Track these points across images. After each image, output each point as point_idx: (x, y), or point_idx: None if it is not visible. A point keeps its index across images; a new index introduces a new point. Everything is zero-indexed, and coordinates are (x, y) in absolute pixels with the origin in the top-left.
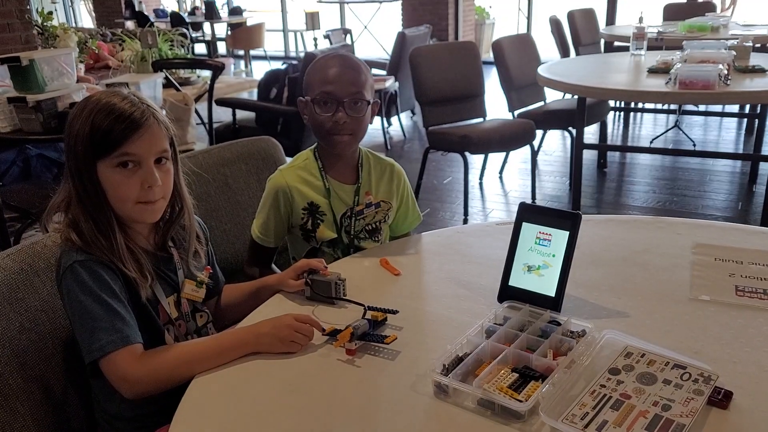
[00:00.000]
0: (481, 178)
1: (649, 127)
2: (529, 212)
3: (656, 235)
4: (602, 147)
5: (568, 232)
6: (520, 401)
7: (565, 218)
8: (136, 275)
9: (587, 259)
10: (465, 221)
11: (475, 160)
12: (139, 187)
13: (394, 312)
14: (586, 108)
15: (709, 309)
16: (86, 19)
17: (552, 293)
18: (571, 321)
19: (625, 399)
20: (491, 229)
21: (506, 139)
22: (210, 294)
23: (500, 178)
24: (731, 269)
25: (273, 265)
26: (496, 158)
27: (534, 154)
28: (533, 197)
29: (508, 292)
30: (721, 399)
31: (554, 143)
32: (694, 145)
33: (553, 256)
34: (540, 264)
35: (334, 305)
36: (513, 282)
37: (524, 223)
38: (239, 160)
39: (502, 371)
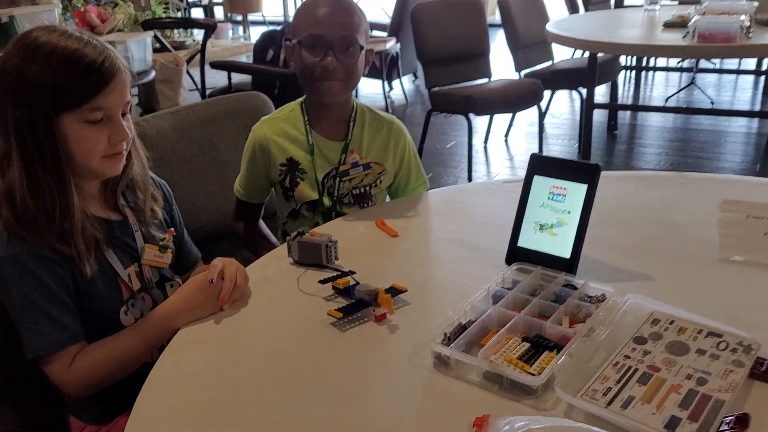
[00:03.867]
0: (485, 141)
1: (660, 87)
2: (541, 164)
3: (679, 191)
4: (614, 106)
5: (585, 186)
6: (533, 374)
7: (583, 170)
8: (75, 251)
9: (604, 218)
10: None
11: (480, 123)
12: (107, 141)
13: (351, 273)
14: (597, 65)
15: (744, 270)
16: None
17: (567, 254)
18: (588, 284)
19: (654, 372)
20: (497, 188)
21: (512, 99)
22: (181, 266)
23: (506, 141)
24: (767, 227)
25: (261, 222)
26: (501, 121)
27: (541, 115)
28: None
29: (517, 254)
30: (765, 371)
31: (562, 105)
32: (713, 103)
33: (569, 212)
34: (553, 222)
35: (324, 270)
36: (523, 242)
37: (536, 177)
38: (226, 117)
39: (512, 340)
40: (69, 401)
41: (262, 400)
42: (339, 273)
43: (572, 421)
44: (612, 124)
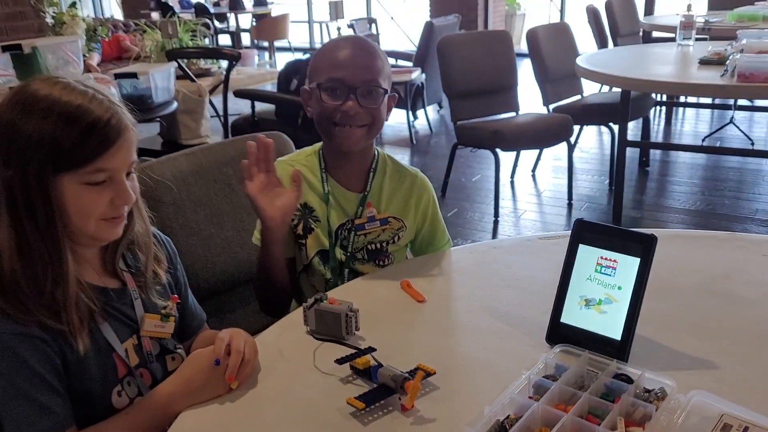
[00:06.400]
0: (512, 176)
1: (692, 122)
2: (588, 232)
3: (737, 256)
4: (648, 145)
5: (638, 260)
6: None
7: (635, 241)
8: (67, 326)
9: (653, 287)
10: (495, 223)
11: (506, 156)
12: (108, 204)
13: (371, 350)
14: (630, 102)
15: None
16: (116, 11)
17: (617, 335)
18: (645, 376)
19: None
20: (533, 245)
21: (541, 134)
22: (184, 332)
23: (533, 176)
24: None
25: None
26: (528, 155)
27: (570, 150)
28: (570, 198)
29: (560, 332)
30: None
31: (590, 140)
32: (753, 144)
33: (619, 288)
34: (601, 298)
35: (343, 343)
36: (566, 318)
37: (582, 246)
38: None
39: None
40: None
41: None
42: (357, 351)
43: None
44: (644, 160)
